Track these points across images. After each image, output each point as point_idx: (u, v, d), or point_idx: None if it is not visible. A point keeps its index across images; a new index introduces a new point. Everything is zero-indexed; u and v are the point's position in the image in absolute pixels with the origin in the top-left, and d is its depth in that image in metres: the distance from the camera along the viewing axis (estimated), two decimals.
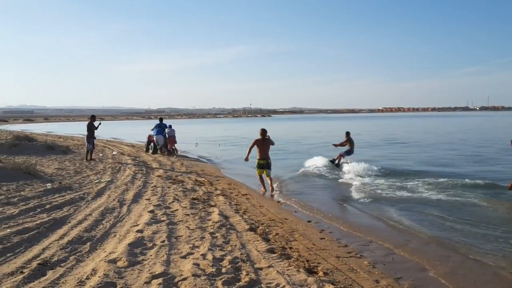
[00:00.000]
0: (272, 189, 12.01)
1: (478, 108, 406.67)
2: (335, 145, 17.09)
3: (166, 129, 21.14)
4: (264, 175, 12.14)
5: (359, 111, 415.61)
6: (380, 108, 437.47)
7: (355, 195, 11.18)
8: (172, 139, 21.17)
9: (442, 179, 12.86)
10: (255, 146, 12.00)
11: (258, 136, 12.06)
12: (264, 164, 11.93)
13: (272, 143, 12.23)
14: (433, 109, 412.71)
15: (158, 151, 21.07)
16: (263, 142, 12.01)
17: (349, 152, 16.38)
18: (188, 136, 38.01)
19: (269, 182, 12.07)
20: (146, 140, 22.49)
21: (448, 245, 6.97)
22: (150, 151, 21.36)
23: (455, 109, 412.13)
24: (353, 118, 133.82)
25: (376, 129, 53.94)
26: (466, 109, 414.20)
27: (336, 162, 16.39)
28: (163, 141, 20.88)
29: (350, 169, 15.03)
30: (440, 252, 6.67)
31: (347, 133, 16.56)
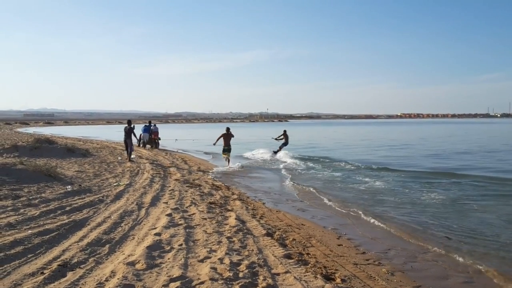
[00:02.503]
0: (229, 162, 19.13)
1: (499, 115, 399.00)
2: (275, 139, 24.35)
3: (152, 127, 28.09)
4: (226, 157, 19.21)
5: (377, 116, 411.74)
6: (399, 114, 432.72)
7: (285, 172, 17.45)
8: (155, 133, 28.20)
9: None
10: (222, 137, 19.07)
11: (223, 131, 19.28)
12: (226, 150, 19.15)
13: (232, 136, 19.39)
14: (453, 116, 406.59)
15: (147, 146, 27.82)
16: (227, 135, 19.15)
17: (285, 144, 23.62)
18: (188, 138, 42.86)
19: (228, 160, 19.26)
20: (138, 137, 27.53)
21: (466, 253, 6.86)
22: (141, 146, 27.91)
23: (475, 115, 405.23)
24: (375, 124, 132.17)
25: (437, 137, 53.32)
26: (487, 115, 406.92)
27: (277, 150, 23.66)
28: (147, 138, 27.96)
29: (282, 155, 23.32)
30: (459, 261, 6.55)
31: (284, 131, 23.82)
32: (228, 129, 19.33)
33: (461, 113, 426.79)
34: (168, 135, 42.58)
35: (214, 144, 19.20)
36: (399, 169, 18.08)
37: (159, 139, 28.54)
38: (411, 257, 6.70)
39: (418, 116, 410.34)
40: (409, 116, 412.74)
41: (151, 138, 27.95)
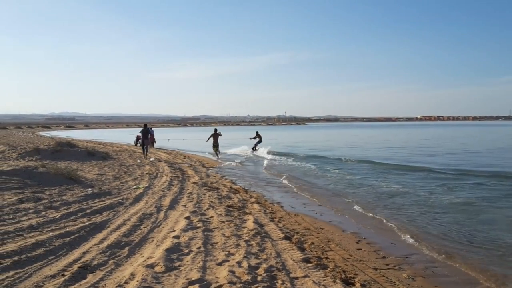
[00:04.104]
0: (218, 155, 24.82)
1: None
2: (251, 138, 29.80)
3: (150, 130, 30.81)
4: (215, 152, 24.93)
5: (396, 119, 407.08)
6: (419, 117, 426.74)
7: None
8: (151, 136, 30.36)
9: None
10: (212, 137, 24.79)
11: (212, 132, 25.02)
12: (216, 146, 24.85)
13: (220, 135, 24.97)
14: (474, 118, 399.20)
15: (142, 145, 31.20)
16: (215, 135, 24.76)
17: (260, 142, 29.52)
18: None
19: (217, 153, 24.92)
20: (135, 138, 34.03)
21: (490, 258, 6.69)
22: (138, 145, 31.68)
23: (497, 117, 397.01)
24: (397, 127, 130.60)
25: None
26: (508, 118, 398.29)
27: (255, 148, 29.50)
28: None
29: (260, 150, 29.06)
30: (482, 267, 6.40)
31: (257, 132, 29.67)
32: (216, 130, 25.36)
33: (482, 116, 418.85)
34: (162, 136, 44.45)
35: (206, 141, 25.65)
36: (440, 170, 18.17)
37: (155, 141, 32.36)
38: (433, 261, 6.58)
39: (438, 118, 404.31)
40: (429, 118, 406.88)
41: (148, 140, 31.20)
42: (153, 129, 33.13)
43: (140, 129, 31.65)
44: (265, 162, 23.34)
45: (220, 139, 25.14)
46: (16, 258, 5.27)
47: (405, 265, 6.35)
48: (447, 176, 16.48)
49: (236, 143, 34.53)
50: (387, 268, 6.15)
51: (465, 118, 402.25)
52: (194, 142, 41.41)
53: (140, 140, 31.15)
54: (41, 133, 78.72)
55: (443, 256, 6.83)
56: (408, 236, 7.96)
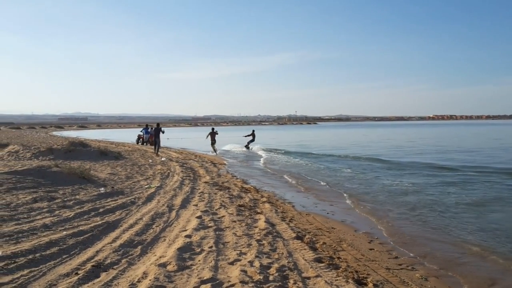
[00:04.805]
0: (216, 151, 28.08)
1: None
2: (244, 136, 33.27)
3: (149, 130, 33.68)
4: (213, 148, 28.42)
5: (409, 118, 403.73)
6: (431, 116, 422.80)
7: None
8: (151, 135, 32.44)
9: None
10: (210, 135, 28.36)
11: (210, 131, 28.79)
12: (214, 143, 28.23)
13: (217, 133, 28.58)
14: (488, 117, 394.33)
15: (145, 144, 34.40)
16: (213, 133, 28.33)
17: (252, 141, 32.50)
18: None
19: (215, 150, 28.27)
20: (137, 137, 37.84)
21: (506, 257, 6.61)
22: (139, 143, 35.61)
23: (511, 117, 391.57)
24: (410, 126, 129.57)
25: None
26: None
27: (247, 146, 32.33)
28: (147, 138, 34.35)
29: (254, 148, 31.94)
30: (496, 267, 6.32)
31: (253, 131, 33.38)
32: (213, 129, 29.09)
33: (496, 115, 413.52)
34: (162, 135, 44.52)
35: (206, 138, 29.04)
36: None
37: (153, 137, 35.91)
38: (447, 261, 6.51)
39: (451, 117, 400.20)
40: (442, 117, 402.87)
41: (149, 138, 34.26)
42: (154, 128, 35.91)
43: (141, 128, 36.74)
44: (273, 161, 24.23)
45: (223, 138, 29.66)
46: (30, 256, 5.32)
47: (418, 265, 6.30)
48: (465, 174, 16.34)
49: (235, 142, 36.18)
50: (400, 268, 6.10)
51: (478, 117, 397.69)
52: (194, 141, 42.89)
53: (141, 139, 35.84)
54: (54, 133, 79.64)
55: (457, 256, 6.76)
56: (422, 236, 7.89)
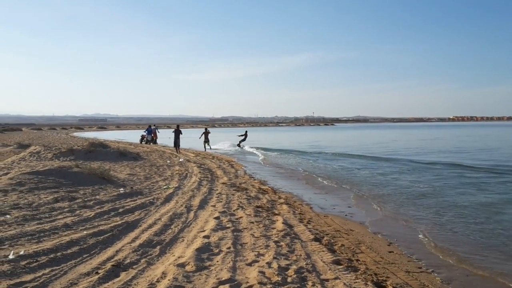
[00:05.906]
0: (210, 147, 32.03)
1: None
2: (238, 136, 37.31)
3: (152, 128, 38.25)
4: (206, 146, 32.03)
5: (428, 119, 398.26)
6: (451, 117, 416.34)
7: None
8: (154, 133, 37.50)
9: None
10: (204, 134, 31.97)
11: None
12: (207, 141, 31.92)
13: (209, 132, 32.48)
14: (509, 118, 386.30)
15: (149, 143, 36.59)
16: (206, 133, 32.02)
17: (244, 140, 36.61)
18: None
19: (209, 147, 32.06)
20: (140, 137, 40.44)
21: None
22: (143, 143, 37.91)
23: None
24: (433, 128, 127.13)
25: None
26: None
27: (240, 144, 36.52)
28: (150, 137, 37.38)
29: (245, 147, 35.54)
30: None
31: (246, 131, 37.65)
32: (206, 128, 33.23)
33: None
34: (163, 134, 44.39)
35: (200, 138, 32.64)
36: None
37: (157, 137, 38.16)
38: (468, 265, 6.40)
39: (471, 119, 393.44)
40: (462, 119, 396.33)
41: (152, 137, 37.56)
42: (158, 129, 40.49)
43: (144, 129, 41.38)
44: (293, 162, 24.40)
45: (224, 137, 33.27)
46: (51, 255, 5.42)
47: (439, 269, 6.20)
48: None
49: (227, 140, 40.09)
50: (420, 272, 6.02)
51: (499, 119, 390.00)
52: (192, 140, 43.41)
53: (145, 139, 38.59)
54: (74, 134, 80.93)
55: (478, 260, 6.63)
56: (441, 239, 7.77)
